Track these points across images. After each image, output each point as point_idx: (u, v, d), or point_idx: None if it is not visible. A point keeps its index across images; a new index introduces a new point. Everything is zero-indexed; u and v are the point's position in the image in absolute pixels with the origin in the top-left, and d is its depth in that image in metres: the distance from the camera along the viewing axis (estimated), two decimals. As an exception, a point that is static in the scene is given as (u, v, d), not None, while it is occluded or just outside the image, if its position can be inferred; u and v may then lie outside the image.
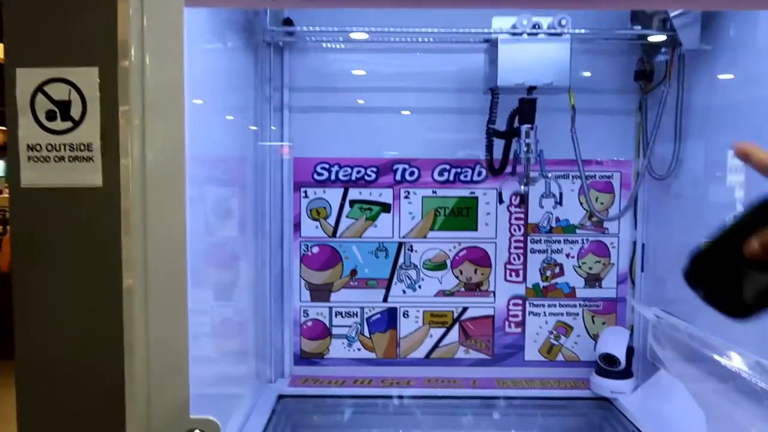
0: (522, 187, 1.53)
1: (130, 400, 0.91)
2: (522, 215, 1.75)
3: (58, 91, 0.88)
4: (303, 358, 1.79)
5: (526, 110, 1.49)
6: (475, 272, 1.77)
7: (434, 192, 1.74)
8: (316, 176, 1.75)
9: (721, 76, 1.37)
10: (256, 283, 1.69)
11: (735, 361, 0.84)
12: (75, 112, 0.89)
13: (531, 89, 1.48)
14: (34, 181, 0.89)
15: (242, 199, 1.59)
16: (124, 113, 0.89)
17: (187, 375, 0.91)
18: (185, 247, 0.93)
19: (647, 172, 1.61)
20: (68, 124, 0.89)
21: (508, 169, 1.56)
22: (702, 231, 1.49)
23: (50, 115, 0.89)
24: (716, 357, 0.90)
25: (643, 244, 1.74)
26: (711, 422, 0.97)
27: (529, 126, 1.49)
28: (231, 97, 1.48)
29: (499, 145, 1.57)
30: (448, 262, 1.76)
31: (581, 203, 1.74)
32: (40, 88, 0.88)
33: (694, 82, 1.46)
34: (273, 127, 1.71)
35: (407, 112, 1.74)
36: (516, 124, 1.51)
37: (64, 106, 0.91)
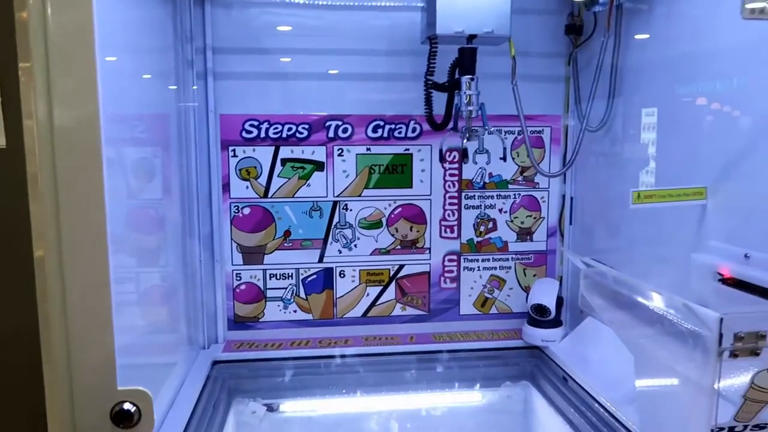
0: (464, 141, 1.50)
1: (49, 377, 0.85)
2: (456, 172, 1.75)
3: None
4: (237, 322, 1.74)
5: (466, 60, 1.45)
6: (411, 230, 1.76)
7: (368, 149, 1.71)
8: (244, 134, 1.67)
9: (655, 29, 1.38)
10: (184, 248, 1.61)
11: (662, 305, 0.88)
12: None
13: (471, 38, 1.44)
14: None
15: (166, 160, 1.49)
16: (25, 70, 0.80)
17: (112, 346, 0.85)
18: (104, 213, 0.87)
19: (584, 125, 1.62)
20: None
21: (450, 124, 1.53)
22: (626, 183, 1.54)
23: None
24: (644, 301, 0.94)
25: (571, 198, 1.79)
26: (638, 363, 1.02)
27: (470, 77, 1.45)
28: (147, 49, 1.37)
29: (439, 99, 1.53)
30: (384, 221, 1.75)
31: (513, 158, 1.76)
32: None
33: (630, 34, 1.47)
34: (194, 87, 1.61)
35: (335, 71, 1.68)
36: (456, 75, 1.47)
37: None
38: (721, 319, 0.77)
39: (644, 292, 0.94)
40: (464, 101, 1.45)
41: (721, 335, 0.77)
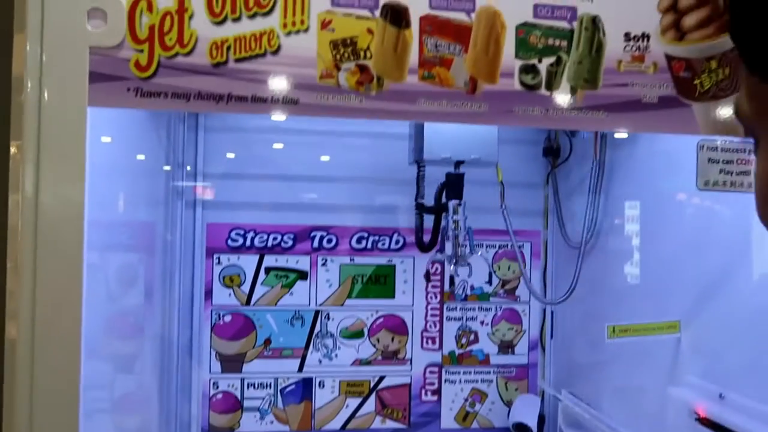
0: (451, 266, 1.48)
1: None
2: (438, 283, 1.77)
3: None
4: (211, 433, 1.69)
5: (453, 185, 1.45)
6: (392, 340, 1.76)
7: (352, 259, 1.73)
8: (230, 242, 1.69)
9: (637, 159, 1.44)
10: (162, 355, 1.59)
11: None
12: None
13: (458, 163, 1.45)
14: None
15: (149, 266, 1.50)
16: (15, 147, 0.82)
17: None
18: (81, 293, 0.87)
19: (563, 241, 1.63)
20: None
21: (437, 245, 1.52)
22: (606, 299, 1.55)
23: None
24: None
25: (552, 311, 1.81)
26: None
27: (457, 201, 1.45)
28: (136, 167, 1.41)
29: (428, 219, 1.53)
30: (366, 330, 1.75)
31: (495, 271, 1.79)
32: None
33: (615, 160, 1.50)
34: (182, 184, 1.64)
35: (325, 178, 1.73)
36: (444, 199, 1.48)
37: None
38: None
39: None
40: (451, 226, 1.45)
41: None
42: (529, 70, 0.72)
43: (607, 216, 1.54)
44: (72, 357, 0.86)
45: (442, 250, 1.52)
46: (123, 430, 1.40)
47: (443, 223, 1.50)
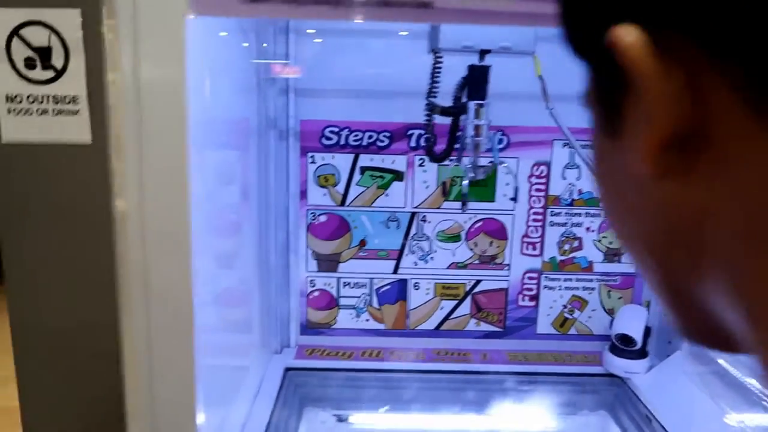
0: (467, 181, 1.29)
1: (129, 365, 0.86)
2: (543, 186, 1.66)
3: (37, 36, 0.77)
4: (309, 327, 1.74)
5: (476, 82, 1.19)
6: (491, 245, 1.69)
7: (451, 160, 1.63)
8: (324, 141, 1.62)
9: None
10: (260, 252, 1.61)
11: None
12: (57, 60, 0.77)
13: (484, 53, 1.18)
14: (16, 136, 0.79)
15: (244, 165, 1.48)
16: (112, 62, 0.78)
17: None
18: (188, 211, 0.85)
19: None
20: (50, 74, 0.78)
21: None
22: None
23: (29, 63, 0.78)
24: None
25: (667, 219, 1.66)
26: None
27: (479, 103, 1.20)
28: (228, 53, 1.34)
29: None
30: (463, 234, 1.68)
31: (605, 175, 1.65)
32: (16, 32, 0.76)
33: None
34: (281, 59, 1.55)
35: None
36: (464, 98, 1.22)
37: (44, 53, 0.80)
38: None
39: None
40: (470, 133, 1.22)
41: None
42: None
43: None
44: (181, 230, 0.85)
45: (458, 160, 1.30)
46: (228, 322, 1.45)
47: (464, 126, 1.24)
